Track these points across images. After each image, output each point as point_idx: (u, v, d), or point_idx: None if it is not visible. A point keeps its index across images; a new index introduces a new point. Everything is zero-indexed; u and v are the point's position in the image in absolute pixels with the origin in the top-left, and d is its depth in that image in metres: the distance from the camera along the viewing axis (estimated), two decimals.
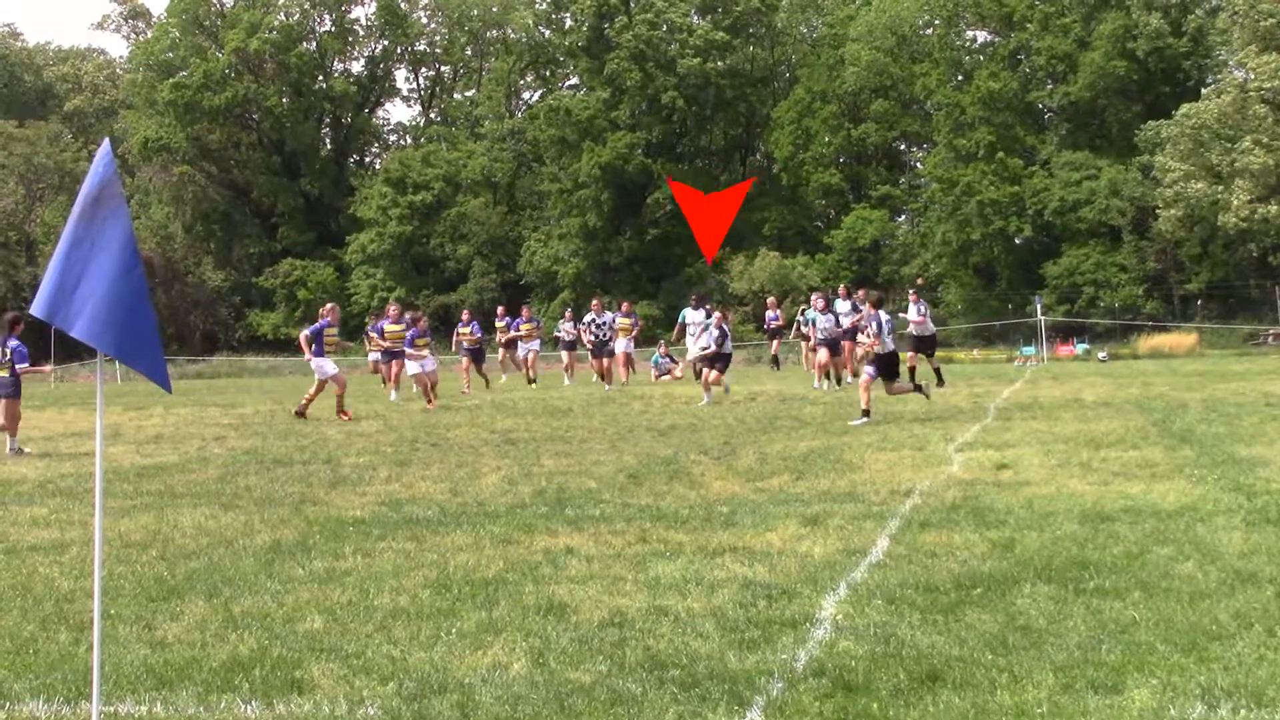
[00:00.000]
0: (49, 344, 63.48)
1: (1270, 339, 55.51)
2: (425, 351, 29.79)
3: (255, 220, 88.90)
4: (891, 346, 23.62)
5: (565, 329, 38.34)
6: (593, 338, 36.05)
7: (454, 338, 37.73)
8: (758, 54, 77.35)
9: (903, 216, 74.99)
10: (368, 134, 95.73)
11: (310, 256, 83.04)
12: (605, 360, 35.67)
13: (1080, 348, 56.66)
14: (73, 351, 63.20)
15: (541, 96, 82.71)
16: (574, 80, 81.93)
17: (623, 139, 71.13)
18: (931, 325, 30.76)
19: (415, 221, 78.16)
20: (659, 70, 72.01)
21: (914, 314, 30.24)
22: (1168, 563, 10.16)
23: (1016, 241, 66.12)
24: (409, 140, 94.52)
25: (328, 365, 27.10)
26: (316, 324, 27.99)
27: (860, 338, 24.66)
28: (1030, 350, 54.98)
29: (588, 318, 36.09)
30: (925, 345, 30.22)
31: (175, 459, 19.87)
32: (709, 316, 33.27)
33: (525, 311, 39.54)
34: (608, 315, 35.61)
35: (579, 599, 9.52)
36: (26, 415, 29.70)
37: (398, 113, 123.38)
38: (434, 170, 79.36)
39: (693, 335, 33.57)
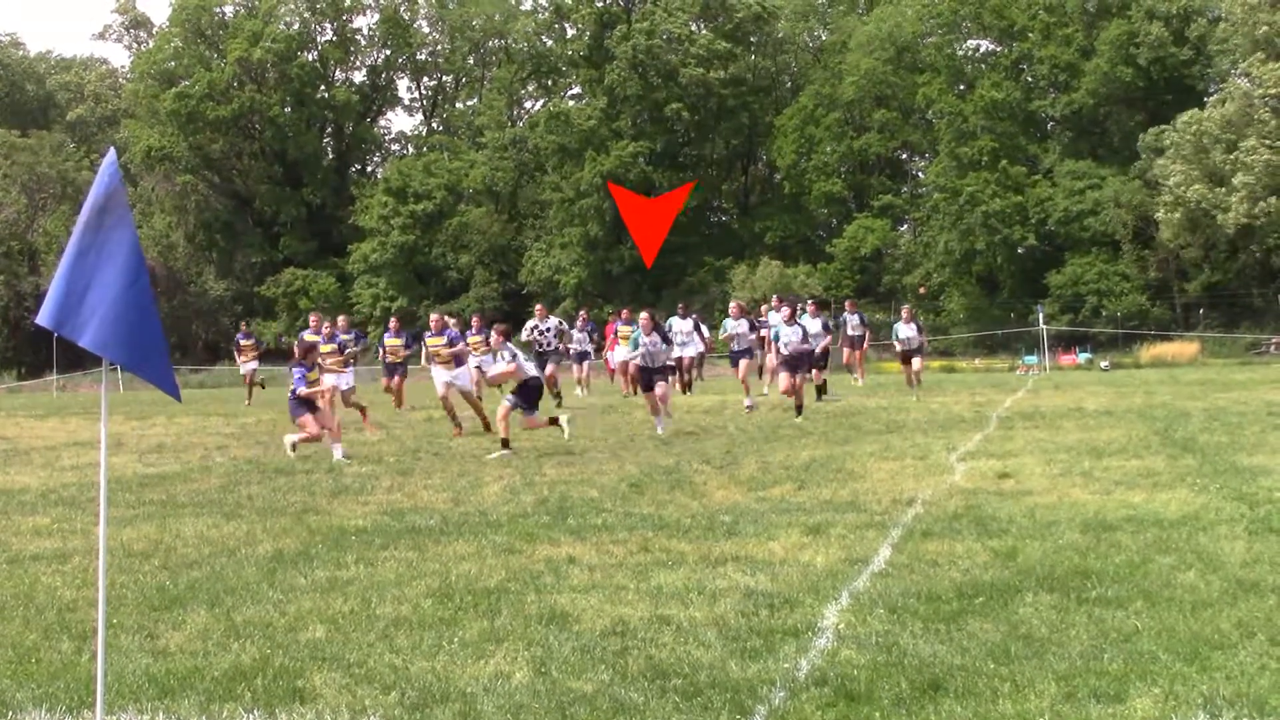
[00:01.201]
0: (51, 354, 63.63)
1: (1273, 348, 55.53)
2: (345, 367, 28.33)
3: (257, 229, 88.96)
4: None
5: (577, 339, 37.31)
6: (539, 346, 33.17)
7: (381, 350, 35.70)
8: (759, 63, 77.39)
9: (905, 225, 74.98)
10: (369, 143, 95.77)
11: (312, 266, 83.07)
12: (550, 369, 32.57)
13: (1083, 357, 56.69)
14: (75, 361, 63.26)
15: (543, 105, 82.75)
16: (576, 89, 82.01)
17: (625, 148, 71.20)
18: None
19: (417, 231, 78.19)
20: (660, 79, 72.06)
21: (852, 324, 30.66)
22: (1170, 572, 10.15)
23: (1019, 251, 66.08)
24: (410, 149, 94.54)
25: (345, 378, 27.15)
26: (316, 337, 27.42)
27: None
28: (1032, 359, 54.97)
29: (530, 323, 33.18)
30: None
31: (177, 468, 19.88)
32: (696, 327, 33.31)
33: (476, 322, 35.79)
34: (551, 320, 33.67)
35: (581, 608, 9.52)
36: (29, 424, 29.75)
37: (399, 122, 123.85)
38: (435, 179, 79.40)
39: (680, 345, 33.28)
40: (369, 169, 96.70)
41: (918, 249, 70.75)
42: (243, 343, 40.36)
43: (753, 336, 31.79)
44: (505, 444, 20.85)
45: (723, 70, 72.25)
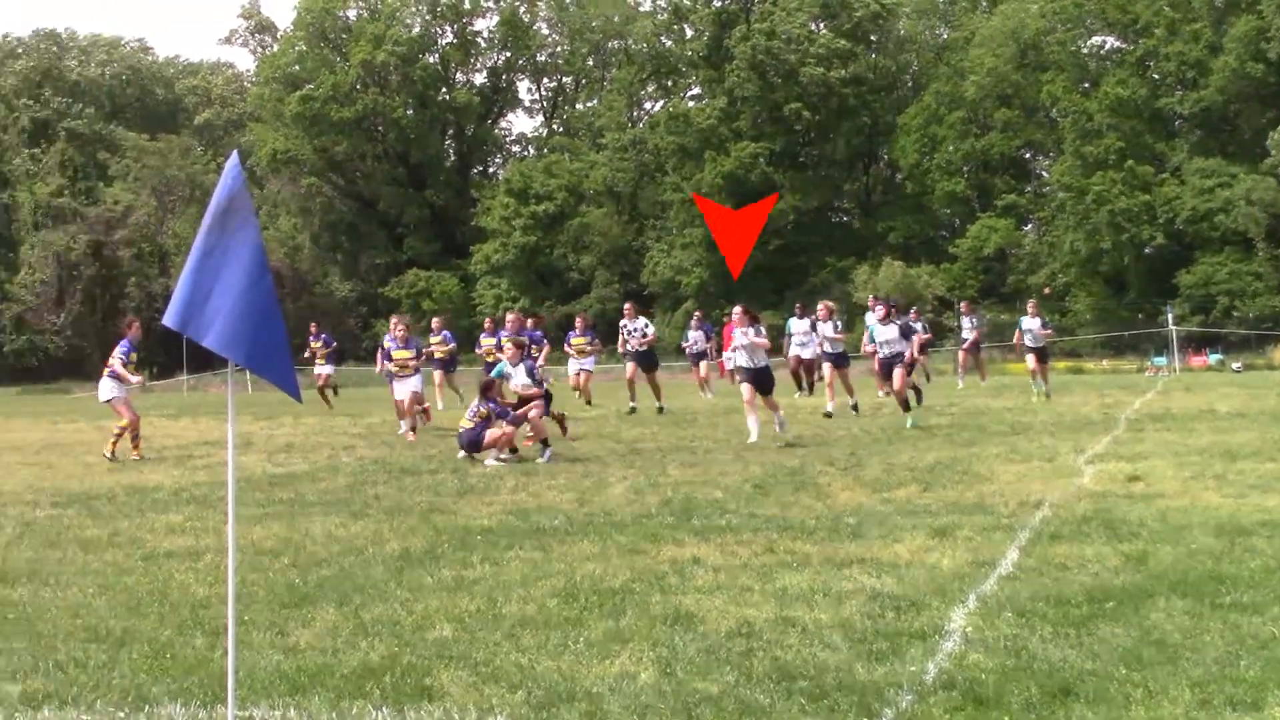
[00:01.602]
0: (182, 354, 64.55)
1: None
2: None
3: (381, 231, 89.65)
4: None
5: (694, 338, 36.82)
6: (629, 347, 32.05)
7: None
8: (880, 61, 76.91)
9: (1029, 225, 74.10)
10: (490, 145, 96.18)
11: (435, 267, 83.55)
12: (636, 369, 31.90)
13: (1213, 358, 55.71)
14: (205, 361, 64.08)
15: (663, 106, 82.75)
16: (695, 90, 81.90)
17: (745, 149, 71.01)
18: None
19: (538, 232, 78.43)
20: (779, 79, 71.81)
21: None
22: None
23: (1147, 250, 65.11)
24: (531, 151, 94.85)
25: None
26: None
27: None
28: (1161, 360, 54.11)
29: (621, 323, 32.10)
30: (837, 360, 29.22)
31: (305, 468, 20.08)
32: (813, 327, 32.68)
33: (580, 323, 34.68)
34: (640, 320, 32.12)
35: (706, 609, 9.51)
36: (161, 424, 30.19)
37: (520, 123, 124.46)
38: (556, 180, 79.61)
39: (799, 344, 32.97)
40: (490, 170, 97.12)
41: (1042, 249, 69.88)
42: (313, 344, 37.35)
43: (841, 338, 29.89)
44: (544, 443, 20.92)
45: (843, 69, 71.80)
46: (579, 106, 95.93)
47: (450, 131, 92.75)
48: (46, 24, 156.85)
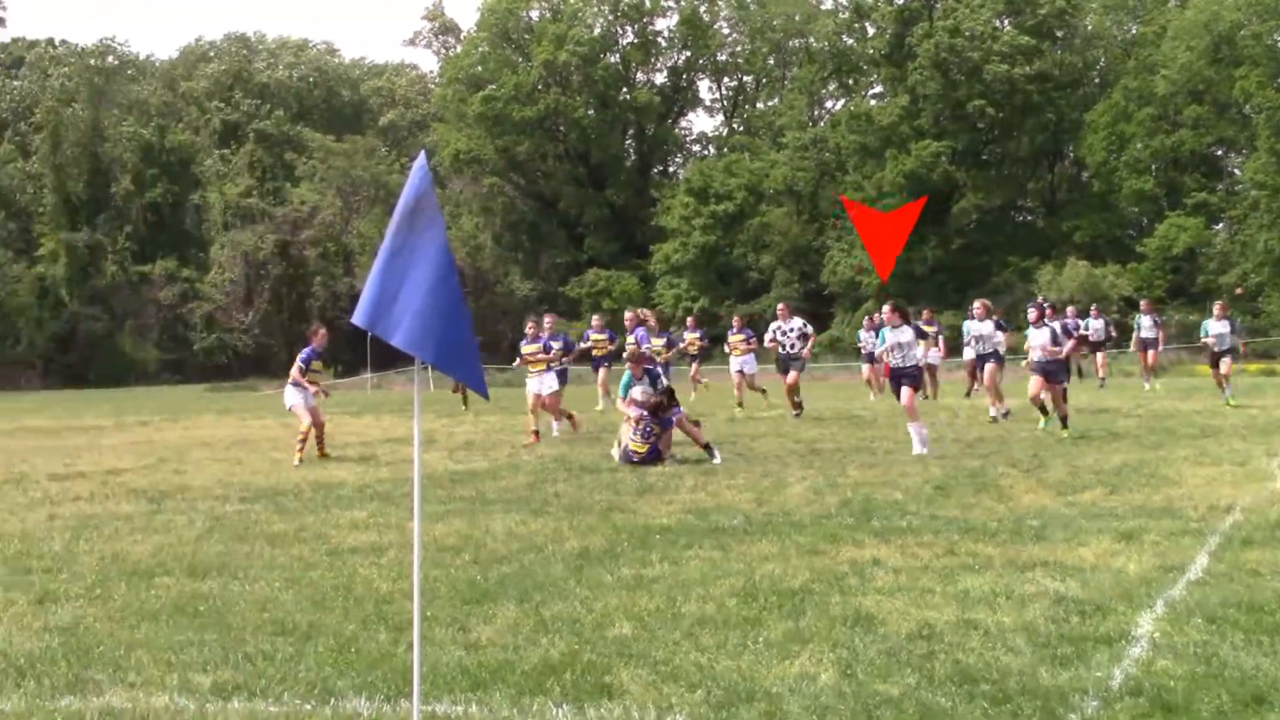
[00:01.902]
0: (366, 352, 65.52)
1: None
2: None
3: (561, 230, 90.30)
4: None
5: (866, 339, 36.30)
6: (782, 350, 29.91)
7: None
8: (1065, 58, 75.79)
9: (1220, 224, 72.55)
10: (670, 144, 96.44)
11: (615, 266, 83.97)
12: (792, 374, 29.56)
13: None
14: (388, 360, 65.01)
15: (844, 105, 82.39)
16: (877, 88, 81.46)
17: (926, 147, 70.43)
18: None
19: (718, 231, 78.45)
20: (962, 76, 71.14)
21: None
22: None
23: None
24: (711, 150, 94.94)
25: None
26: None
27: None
28: None
29: (774, 324, 29.95)
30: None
31: (486, 465, 20.27)
32: (999, 328, 31.59)
33: (737, 322, 33.72)
34: (795, 320, 29.79)
35: (886, 610, 9.45)
36: (345, 422, 30.66)
37: (700, 123, 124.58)
38: (736, 180, 79.58)
39: (971, 346, 31.70)
40: (670, 170, 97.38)
41: (1234, 248, 68.41)
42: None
43: (1000, 338, 28.65)
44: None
45: (1027, 66, 70.92)
46: (759, 105, 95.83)
47: (630, 131, 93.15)
48: (238, 28, 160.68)
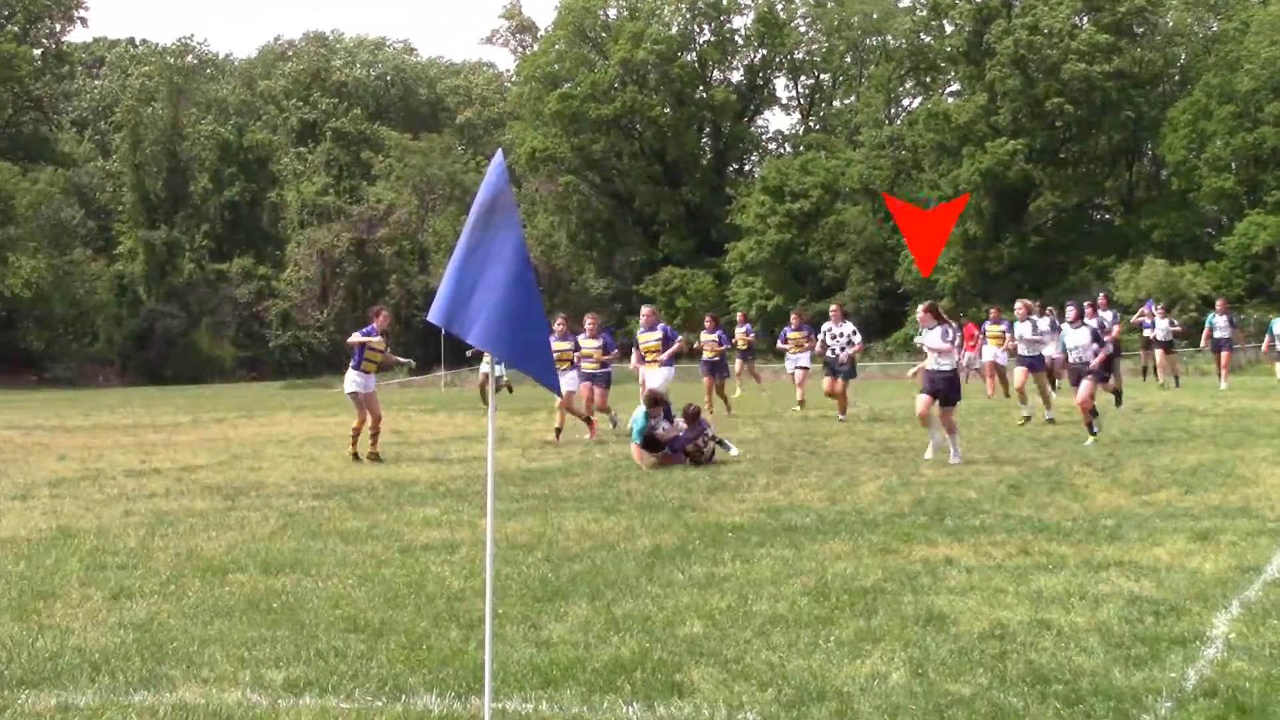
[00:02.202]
0: (440, 350, 65.79)
1: None
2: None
3: (636, 228, 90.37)
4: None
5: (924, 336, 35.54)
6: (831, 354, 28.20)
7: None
8: (1145, 55, 75.16)
9: None
10: (746, 142, 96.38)
11: (690, 264, 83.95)
12: (839, 382, 28.29)
13: None
14: (463, 357, 65.26)
15: (921, 103, 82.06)
16: (954, 86, 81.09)
17: (1003, 145, 70.02)
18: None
19: (793, 229, 78.32)
20: (1040, 74, 70.70)
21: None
22: None
23: None
24: (787, 148, 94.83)
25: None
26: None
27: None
28: None
29: (825, 326, 28.46)
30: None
31: (558, 463, 20.28)
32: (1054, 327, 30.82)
33: (795, 319, 32.83)
34: (847, 325, 28.26)
35: (959, 610, 9.40)
36: (419, 419, 30.76)
37: (776, 121, 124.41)
38: (812, 178, 79.42)
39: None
40: (746, 168, 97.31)
41: None
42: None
43: (1040, 339, 26.87)
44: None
45: (1106, 64, 70.41)
46: (836, 104, 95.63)
47: (707, 129, 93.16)
48: (316, 26, 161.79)
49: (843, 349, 27.80)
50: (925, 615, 9.26)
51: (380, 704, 7.58)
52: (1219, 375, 37.54)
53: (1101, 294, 37.29)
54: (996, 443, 21.85)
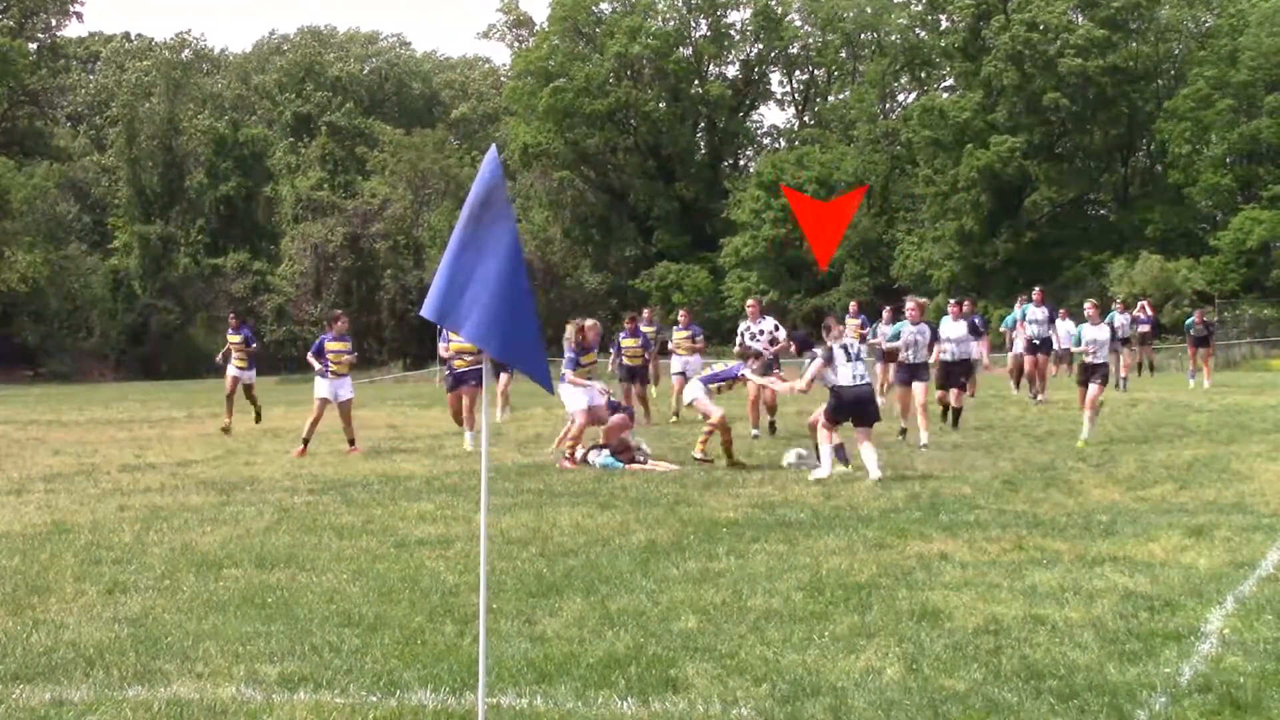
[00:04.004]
0: (434, 346, 65.71)
1: None
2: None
3: (631, 224, 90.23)
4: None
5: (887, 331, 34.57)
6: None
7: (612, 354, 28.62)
8: (1140, 50, 75.10)
9: None
10: (742, 137, 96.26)
11: (685, 260, 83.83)
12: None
13: None
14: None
15: (916, 98, 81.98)
16: (948, 81, 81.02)
17: (1002, 142, 69.96)
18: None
19: (788, 224, 78.13)
20: (1037, 70, 70.65)
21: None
22: None
23: None
24: (782, 143, 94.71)
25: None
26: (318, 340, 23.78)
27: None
28: None
29: (743, 325, 24.86)
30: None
31: (554, 458, 20.28)
32: (1052, 321, 30.25)
33: (684, 317, 29.44)
34: (767, 321, 24.67)
35: (953, 605, 9.42)
36: (414, 414, 30.75)
37: (771, 116, 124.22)
38: (807, 173, 79.26)
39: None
40: (741, 163, 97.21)
41: None
42: (230, 338, 29.88)
43: (975, 343, 25.03)
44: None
45: (1101, 59, 70.36)
46: (830, 99, 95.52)
47: (702, 124, 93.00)
48: (311, 21, 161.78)
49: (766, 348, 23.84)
50: (920, 610, 9.27)
51: (375, 699, 7.58)
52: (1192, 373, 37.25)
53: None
54: (991, 438, 21.86)
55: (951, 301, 23.73)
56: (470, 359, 22.46)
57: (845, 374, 17.54)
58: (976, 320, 26.00)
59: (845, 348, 17.64)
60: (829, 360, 17.49)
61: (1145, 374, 39.68)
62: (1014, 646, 8.33)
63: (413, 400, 39.63)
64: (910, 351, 21.62)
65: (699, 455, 19.14)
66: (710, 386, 19.64)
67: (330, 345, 22.92)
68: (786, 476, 17.33)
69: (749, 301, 25.76)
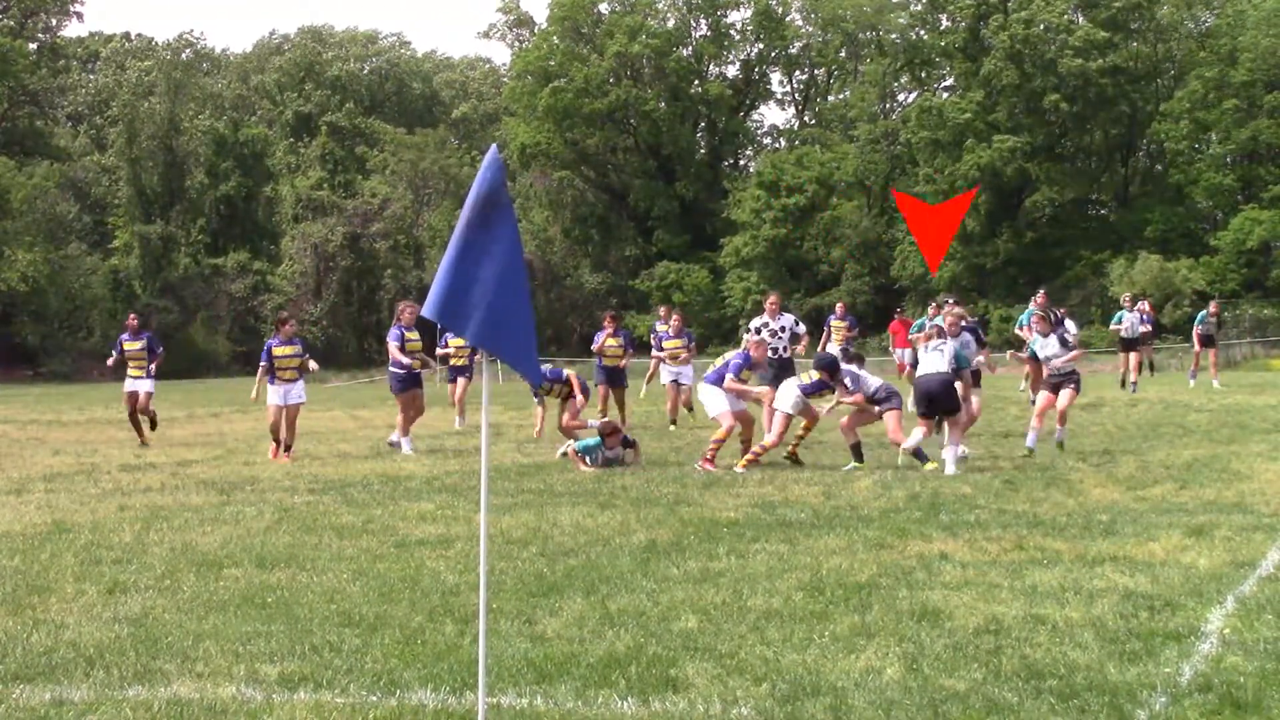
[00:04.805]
0: (434, 345, 65.67)
1: None
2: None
3: (631, 224, 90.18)
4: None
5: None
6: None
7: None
8: (1140, 50, 75.07)
9: None
10: (742, 137, 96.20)
11: (685, 259, 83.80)
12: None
13: None
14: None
15: (916, 98, 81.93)
16: (949, 81, 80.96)
17: (1003, 142, 69.92)
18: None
19: (789, 224, 78.18)
20: (1036, 70, 70.63)
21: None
22: None
23: None
24: (782, 143, 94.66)
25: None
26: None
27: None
28: None
29: (756, 322, 23.55)
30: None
31: (554, 458, 20.28)
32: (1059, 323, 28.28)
33: (676, 321, 27.68)
34: (786, 317, 23.51)
35: (953, 605, 9.42)
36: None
37: (772, 115, 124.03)
38: (808, 173, 79.27)
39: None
40: (741, 163, 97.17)
41: None
42: (126, 344, 26.27)
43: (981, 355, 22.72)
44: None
45: (1101, 59, 70.35)
46: (830, 98, 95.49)
47: (702, 124, 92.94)
48: (311, 21, 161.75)
49: (786, 347, 23.13)
50: (920, 610, 9.27)
51: (375, 699, 7.58)
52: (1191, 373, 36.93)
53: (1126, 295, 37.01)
54: (991, 438, 21.85)
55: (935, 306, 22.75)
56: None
57: (923, 364, 18.04)
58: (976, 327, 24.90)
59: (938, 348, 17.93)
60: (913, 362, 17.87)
61: (1145, 374, 39.61)
62: (1014, 646, 8.33)
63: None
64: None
65: (741, 468, 18.49)
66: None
67: (278, 351, 22.15)
68: (786, 476, 17.33)
69: (770, 298, 23.88)
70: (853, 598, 9.73)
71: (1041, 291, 28.68)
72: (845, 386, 18.75)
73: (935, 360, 17.94)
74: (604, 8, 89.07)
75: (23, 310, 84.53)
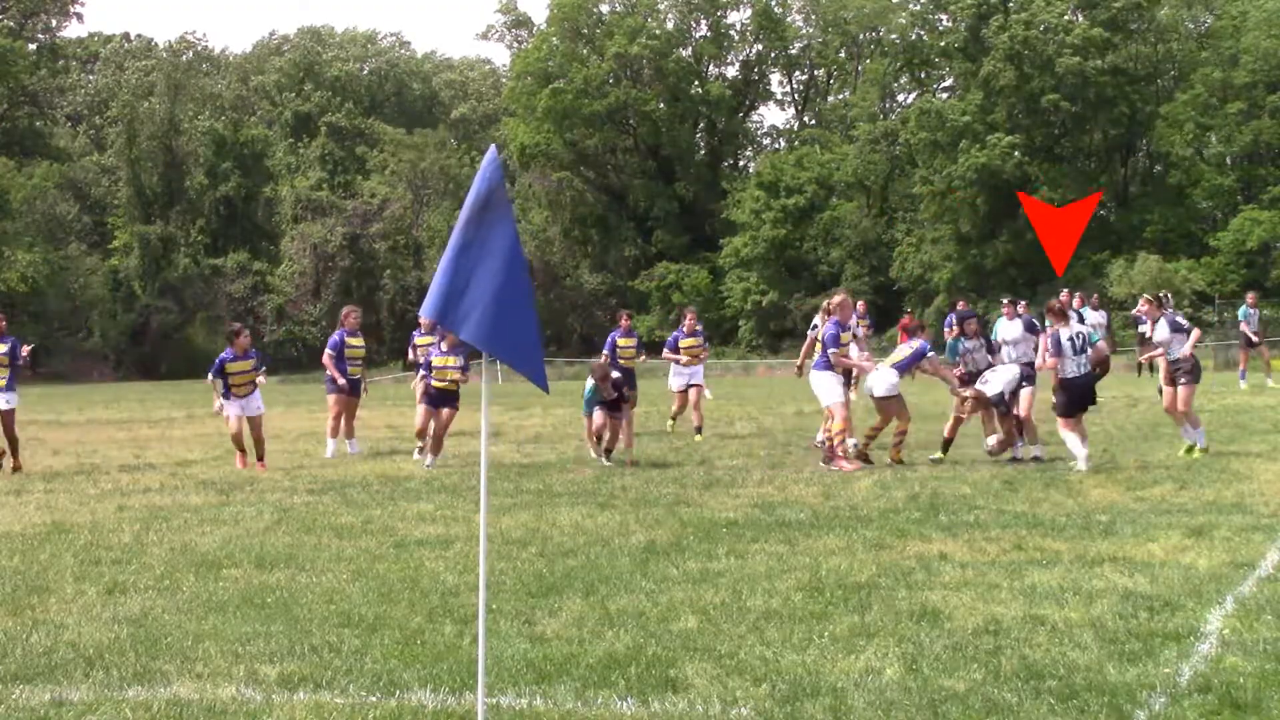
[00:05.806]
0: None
1: None
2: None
3: (630, 224, 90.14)
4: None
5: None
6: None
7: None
8: (1140, 51, 75.05)
9: None
10: (741, 137, 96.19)
11: (684, 260, 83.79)
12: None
13: None
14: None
15: (915, 98, 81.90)
16: (948, 81, 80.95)
17: (1001, 141, 69.89)
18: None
19: (788, 225, 78.15)
20: (1036, 70, 70.60)
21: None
22: None
23: None
24: (782, 143, 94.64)
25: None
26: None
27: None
28: None
29: (816, 321, 22.15)
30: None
31: (553, 458, 20.30)
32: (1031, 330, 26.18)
33: (690, 319, 26.05)
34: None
35: (953, 605, 9.42)
36: (413, 414, 30.72)
37: (771, 116, 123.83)
38: (807, 173, 79.26)
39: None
40: (740, 163, 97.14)
41: None
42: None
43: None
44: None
45: (1100, 59, 70.33)
46: (830, 99, 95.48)
47: (701, 124, 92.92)
48: (311, 21, 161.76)
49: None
50: (919, 611, 9.28)
51: (374, 699, 7.58)
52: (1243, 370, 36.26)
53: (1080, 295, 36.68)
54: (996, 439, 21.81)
55: (1005, 300, 21.60)
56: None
57: (1070, 366, 17.87)
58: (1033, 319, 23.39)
59: (1072, 339, 17.91)
60: (1058, 350, 17.70)
61: (1145, 374, 39.57)
62: (1013, 647, 8.33)
63: (412, 400, 39.52)
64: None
65: (892, 461, 19.23)
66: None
67: (231, 367, 21.02)
68: (786, 476, 17.33)
69: (837, 299, 20.22)
70: (852, 598, 9.73)
71: (1065, 291, 28.49)
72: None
73: (1082, 360, 17.87)
74: (604, 8, 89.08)
75: (22, 310, 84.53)
